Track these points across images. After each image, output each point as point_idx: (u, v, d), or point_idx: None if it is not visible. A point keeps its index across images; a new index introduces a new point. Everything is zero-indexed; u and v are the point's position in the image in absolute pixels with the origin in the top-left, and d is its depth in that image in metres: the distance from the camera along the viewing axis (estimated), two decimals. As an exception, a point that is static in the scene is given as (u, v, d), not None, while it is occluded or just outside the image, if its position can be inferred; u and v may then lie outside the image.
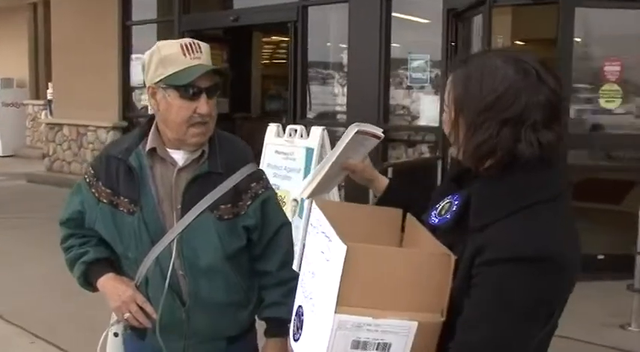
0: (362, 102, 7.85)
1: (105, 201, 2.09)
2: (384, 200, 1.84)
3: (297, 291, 1.59)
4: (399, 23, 7.79)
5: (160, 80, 1.98)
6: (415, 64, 7.62)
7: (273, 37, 14.22)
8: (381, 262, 1.36)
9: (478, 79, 1.40)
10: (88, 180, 2.15)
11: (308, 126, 6.43)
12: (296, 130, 6.45)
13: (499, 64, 1.40)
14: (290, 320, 2.18)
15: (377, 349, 1.35)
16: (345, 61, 8.27)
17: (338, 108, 8.52)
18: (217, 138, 2.11)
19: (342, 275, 1.30)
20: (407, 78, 7.79)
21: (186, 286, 2.06)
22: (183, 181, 2.05)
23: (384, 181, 1.86)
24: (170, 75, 1.96)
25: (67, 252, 2.20)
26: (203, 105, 1.98)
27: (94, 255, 2.13)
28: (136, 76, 10.83)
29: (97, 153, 11.08)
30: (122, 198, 2.06)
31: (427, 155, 7.82)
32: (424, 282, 1.37)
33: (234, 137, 2.29)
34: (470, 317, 1.35)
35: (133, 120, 11.05)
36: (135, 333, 2.15)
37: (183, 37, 9.60)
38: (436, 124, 7.37)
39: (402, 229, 1.71)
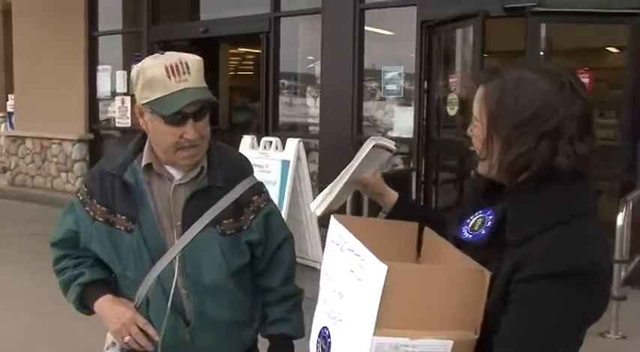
0: (335, 113, 7.85)
1: (100, 219, 1.99)
2: (394, 214, 1.81)
3: (319, 311, 1.54)
4: (373, 34, 7.81)
5: (146, 103, 1.89)
6: (389, 75, 7.64)
7: (240, 49, 14.15)
8: (418, 281, 1.33)
9: (513, 92, 1.38)
10: (81, 198, 2.05)
11: (281, 138, 6.41)
12: (271, 142, 6.42)
13: (534, 77, 1.38)
14: (295, 337, 2.14)
15: None
16: (317, 72, 8.25)
17: (310, 120, 8.49)
18: (215, 152, 2.04)
19: (381, 297, 1.26)
20: (380, 89, 7.80)
21: (190, 305, 1.98)
22: (182, 197, 1.98)
23: (394, 196, 1.84)
24: (155, 100, 1.86)
25: (60, 274, 2.10)
26: (190, 131, 1.88)
27: (90, 277, 2.04)
28: (103, 87, 10.68)
29: (62, 166, 10.92)
30: (119, 215, 1.97)
31: (401, 166, 7.84)
32: (459, 299, 1.35)
33: (232, 149, 2.22)
34: (507, 335, 1.33)
35: (100, 133, 10.86)
36: None
37: (152, 48, 9.52)
38: (410, 136, 7.40)
39: (418, 243, 1.68)
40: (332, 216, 1.59)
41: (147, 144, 2.01)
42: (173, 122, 1.86)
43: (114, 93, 10.46)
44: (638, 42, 6.07)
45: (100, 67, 10.74)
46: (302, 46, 8.73)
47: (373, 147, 1.76)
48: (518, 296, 1.33)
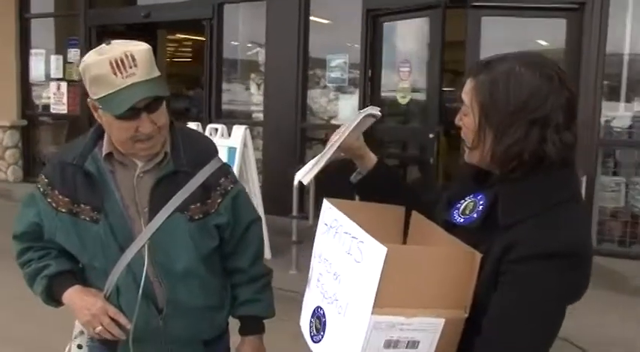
0: (279, 101, 7.86)
1: (64, 210, 1.94)
2: (370, 176, 1.85)
3: (312, 292, 1.57)
4: (317, 22, 7.86)
5: (96, 99, 1.82)
6: (333, 63, 7.71)
7: (179, 35, 13.96)
8: (413, 262, 1.38)
9: (504, 84, 1.44)
10: (42, 189, 1.99)
11: (225, 125, 6.40)
12: (217, 129, 6.39)
13: (523, 69, 1.44)
14: (266, 317, 2.16)
15: (407, 347, 1.38)
16: (261, 59, 8.24)
17: (254, 108, 8.48)
18: (179, 135, 2.00)
19: (380, 277, 1.30)
20: (325, 77, 7.87)
21: (162, 292, 1.95)
22: (147, 183, 1.94)
23: (373, 159, 1.86)
24: (102, 97, 1.79)
25: (25, 267, 2.05)
26: (145, 124, 1.83)
27: (56, 268, 1.99)
28: (36, 72, 10.32)
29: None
30: (83, 205, 1.93)
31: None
32: (451, 279, 1.40)
33: (196, 131, 2.20)
34: (500, 312, 1.39)
35: (34, 119, 10.52)
36: (104, 345, 2.02)
37: (89, 32, 9.29)
38: (354, 123, 7.46)
39: (405, 226, 1.73)
40: (325, 200, 1.62)
41: (107, 133, 1.96)
42: (125, 117, 1.81)
43: (49, 78, 10.13)
44: (574, 35, 6.33)
45: (33, 51, 10.36)
46: (246, 34, 8.68)
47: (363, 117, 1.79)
48: (508, 277, 1.39)
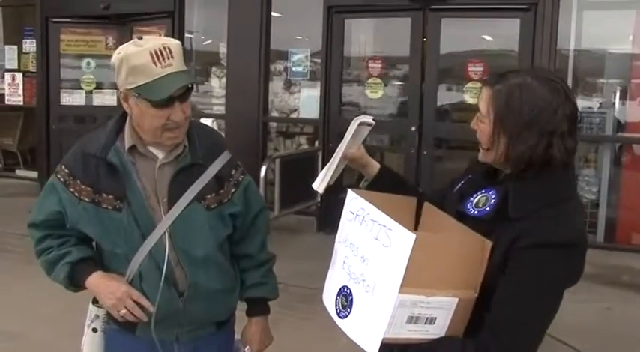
0: (241, 94, 7.94)
1: (87, 199, 2.06)
2: (376, 183, 2.03)
3: (337, 272, 1.73)
4: (279, 17, 7.98)
5: (132, 88, 1.96)
6: (295, 57, 7.86)
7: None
8: (435, 247, 1.57)
9: (519, 95, 1.65)
10: (62, 179, 2.10)
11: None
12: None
13: (535, 83, 1.66)
14: (271, 299, 2.33)
15: (426, 322, 1.57)
16: (222, 53, 8.31)
17: (215, 101, 8.55)
18: (194, 129, 2.14)
19: (407, 261, 1.48)
20: (287, 71, 8.00)
21: (183, 277, 2.09)
22: (167, 175, 2.07)
23: (376, 166, 2.05)
24: (141, 85, 1.93)
25: (44, 254, 2.15)
26: (177, 113, 1.98)
27: (78, 255, 2.11)
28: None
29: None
30: (105, 195, 2.04)
31: (305, 146, 8.11)
32: (465, 263, 1.60)
33: (207, 126, 2.35)
34: (509, 294, 1.60)
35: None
36: (123, 327, 2.14)
37: (46, 23, 9.16)
38: (315, 116, 7.67)
39: (416, 216, 1.92)
40: (349, 190, 1.77)
41: (128, 126, 2.08)
42: (160, 105, 1.95)
43: (3, 69, 9.96)
44: (527, 33, 6.65)
45: (-15, 41, 10.18)
46: (207, 27, 8.74)
47: (358, 125, 1.97)
48: (516, 263, 1.60)
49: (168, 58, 1.93)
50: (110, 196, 2.04)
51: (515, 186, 1.67)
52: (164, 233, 2.04)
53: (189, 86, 2.03)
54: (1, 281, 5.59)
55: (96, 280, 2.09)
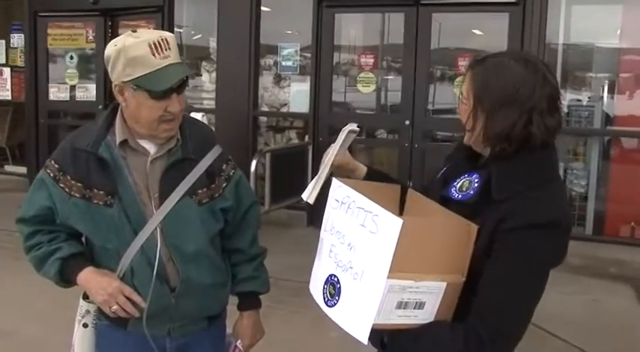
0: (231, 89, 7.93)
1: (77, 195, 2.05)
2: None
3: (324, 261, 1.73)
4: (269, 11, 7.96)
5: (129, 80, 1.95)
6: (285, 52, 7.85)
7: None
8: (422, 232, 1.58)
9: (496, 75, 1.66)
10: (52, 174, 2.08)
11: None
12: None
13: (512, 62, 1.67)
14: (263, 292, 2.33)
15: (414, 307, 1.59)
16: (212, 47, 8.29)
17: (205, 95, 8.53)
18: (186, 123, 2.14)
19: (395, 246, 1.49)
20: (277, 65, 8.00)
21: (174, 272, 2.09)
22: (158, 169, 2.07)
23: (363, 169, 2.06)
24: (140, 77, 1.93)
25: (34, 250, 2.13)
26: (174, 104, 1.99)
27: (69, 251, 2.10)
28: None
29: None
30: (95, 190, 2.03)
31: (295, 140, 8.12)
32: (451, 248, 1.62)
33: (197, 120, 2.35)
34: (495, 277, 1.61)
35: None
36: (115, 323, 2.14)
37: (34, 18, 9.10)
38: (305, 111, 7.68)
39: (401, 202, 1.93)
40: (334, 179, 1.78)
41: (119, 120, 2.07)
42: (159, 97, 1.95)
43: (-9, 64, 9.90)
44: (516, 28, 6.69)
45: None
46: (197, 21, 8.72)
47: (349, 133, 1.99)
48: (501, 245, 1.61)
49: (166, 50, 1.93)
50: (101, 192, 2.03)
51: (498, 169, 1.68)
52: (155, 228, 2.04)
53: (185, 78, 2.03)
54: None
55: (87, 276, 2.08)
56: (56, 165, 2.09)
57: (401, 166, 7.31)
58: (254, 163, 6.45)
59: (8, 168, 10.12)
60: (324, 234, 1.77)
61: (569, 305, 5.20)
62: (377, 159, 8.01)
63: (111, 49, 1.97)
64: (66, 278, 2.12)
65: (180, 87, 2.01)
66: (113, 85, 2.02)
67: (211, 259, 2.17)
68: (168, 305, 2.10)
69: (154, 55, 1.92)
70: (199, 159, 2.11)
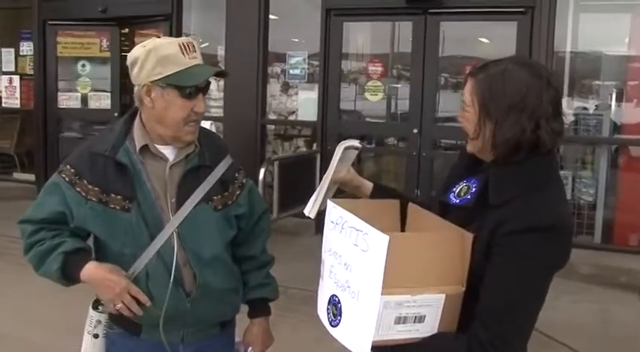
0: (239, 97, 7.95)
1: (94, 199, 2.06)
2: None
3: (326, 282, 1.75)
4: (278, 20, 7.99)
5: (159, 79, 2.00)
6: (293, 60, 7.88)
7: (127, 30, 13.82)
8: (413, 246, 1.59)
9: (501, 80, 1.66)
10: (67, 178, 2.09)
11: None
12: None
13: (516, 68, 1.68)
14: (273, 299, 2.35)
15: (414, 321, 1.59)
16: (220, 55, 8.32)
17: (213, 103, 8.55)
18: (200, 132, 2.18)
19: (385, 263, 1.50)
20: (285, 74, 8.02)
21: (190, 277, 2.10)
22: (176, 175, 2.10)
23: (369, 185, 2.07)
24: (170, 75, 1.99)
25: (36, 246, 2.11)
26: (200, 104, 2.05)
27: (73, 245, 2.08)
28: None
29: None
30: (113, 195, 2.05)
31: (303, 148, 8.14)
32: (447, 259, 1.62)
33: (211, 131, 2.39)
34: (495, 281, 1.61)
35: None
36: (127, 330, 2.15)
37: (43, 26, 9.16)
38: (313, 119, 7.69)
39: (402, 217, 1.94)
40: (328, 200, 1.80)
41: (137, 126, 2.11)
42: (188, 95, 2.01)
43: (1, 72, 9.90)
44: (524, 36, 6.68)
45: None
46: (205, 29, 8.75)
47: (344, 149, 2.00)
48: (500, 249, 1.61)
49: (193, 51, 2.03)
50: (119, 196, 2.05)
51: (495, 173, 1.69)
52: (172, 233, 2.06)
53: (210, 82, 2.10)
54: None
55: (92, 270, 2.06)
56: (72, 170, 2.10)
57: (409, 174, 7.30)
58: (262, 171, 6.46)
59: (16, 175, 10.15)
60: (324, 255, 1.79)
61: (578, 314, 5.19)
62: (385, 168, 8.02)
63: (139, 50, 2.03)
64: (68, 274, 2.08)
65: (206, 88, 2.07)
66: (139, 87, 2.05)
67: (226, 264, 2.20)
68: (184, 311, 2.11)
69: (183, 54, 2.00)
70: (214, 167, 2.15)
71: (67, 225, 2.11)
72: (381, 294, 1.51)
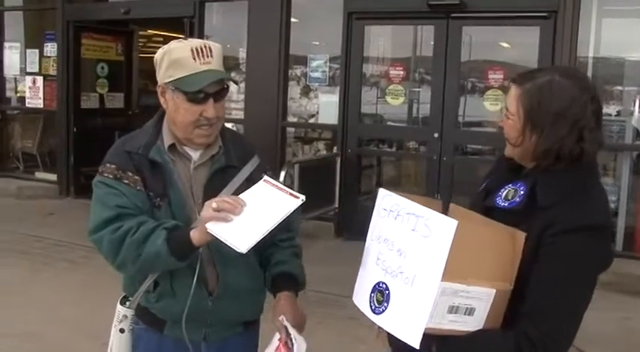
0: (260, 99, 7.99)
1: (140, 188, 2.06)
2: None
3: (369, 270, 1.74)
4: (299, 22, 8.02)
5: (169, 82, 2.04)
6: (314, 63, 7.89)
7: (148, 31, 13.91)
8: (472, 237, 1.60)
9: (548, 93, 1.70)
10: (111, 176, 2.06)
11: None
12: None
13: (563, 80, 1.71)
14: (299, 278, 2.24)
15: (465, 313, 1.61)
16: (242, 58, 8.36)
17: (233, 105, 8.59)
18: (227, 133, 2.21)
19: (450, 247, 1.51)
20: (306, 77, 8.05)
21: (214, 275, 2.12)
22: (202, 176, 2.12)
23: None
24: (178, 78, 2.02)
25: (128, 236, 1.99)
26: (209, 109, 2.04)
27: (172, 223, 2.00)
28: (11, 65, 10.25)
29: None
30: (147, 191, 2.07)
31: (323, 151, 8.14)
32: (500, 255, 1.64)
33: (238, 132, 2.42)
34: (544, 281, 1.63)
35: (6, 113, 10.46)
36: (151, 326, 2.17)
37: (67, 27, 9.27)
38: (334, 122, 7.70)
39: None
40: (380, 189, 1.80)
41: (165, 125, 2.14)
42: (195, 100, 2.02)
43: (24, 72, 10.06)
44: (547, 41, 6.64)
45: (7, 44, 10.29)
46: (227, 32, 8.80)
47: (264, 182, 1.99)
48: (551, 248, 1.64)
49: (207, 56, 2.02)
50: (151, 193, 2.07)
51: (543, 177, 1.72)
52: None
53: (225, 86, 2.09)
54: (20, 282, 5.64)
55: (199, 228, 1.94)
56: (113, 166, 2.09)
57: (429, 179, 7.29)
58: (282, 174, 6.48)
59: (39, 174, 10.28)
60: (370, 242, 1.79)
61: (599, 322, 5.11)
62: (405, 172, 8.01)
63: (159, 52, 2.08)
64: (175, 245, 1.96)
65: (218, 94, 2.06)
66: (157, 87, 2.10)
67: (250, 265, 2.20)
68: (205, 309, 2.12)
69: (194, 58, 2.01)
70: (241, 168, 2.17)
71: (137, 216, 2.04)
72: (442, 280, 1.53)
